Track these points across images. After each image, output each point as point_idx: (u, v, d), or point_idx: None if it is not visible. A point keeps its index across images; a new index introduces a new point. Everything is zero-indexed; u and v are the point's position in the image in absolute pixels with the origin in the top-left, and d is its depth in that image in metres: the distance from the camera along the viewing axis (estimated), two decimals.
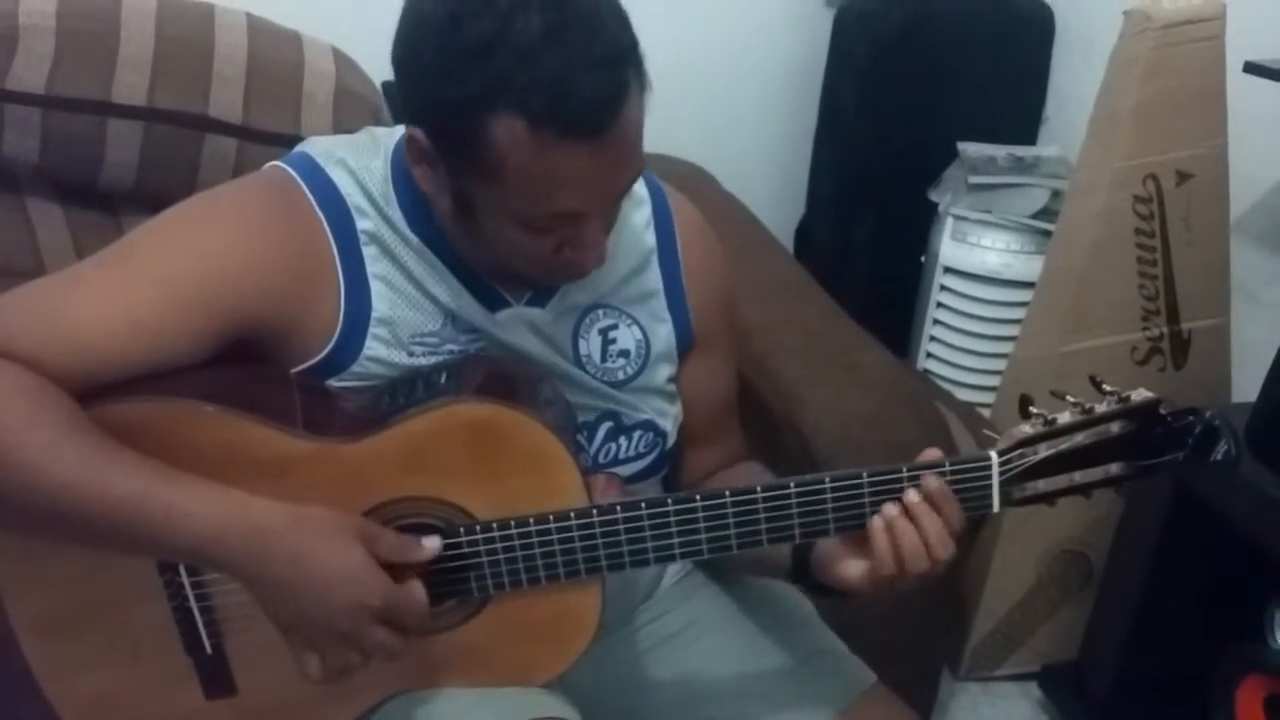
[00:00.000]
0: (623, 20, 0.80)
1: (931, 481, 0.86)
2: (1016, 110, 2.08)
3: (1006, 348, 1.82)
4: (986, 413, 1.78)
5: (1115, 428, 0.85)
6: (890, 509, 0.86)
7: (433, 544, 0.87)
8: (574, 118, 0.77)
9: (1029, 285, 1.77)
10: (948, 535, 0.86)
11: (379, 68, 1.61)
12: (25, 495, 0.77)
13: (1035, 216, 1.85)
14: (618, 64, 0.78)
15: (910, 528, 0.86)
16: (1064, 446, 0.85)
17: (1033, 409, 0.86)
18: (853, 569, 0.90)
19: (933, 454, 0.88)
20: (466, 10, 0.76)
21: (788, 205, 2.22)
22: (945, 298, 1.96)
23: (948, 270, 1.94)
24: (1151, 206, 1.59)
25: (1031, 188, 1.88)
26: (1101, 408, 0.85)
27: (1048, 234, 1.77)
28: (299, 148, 0.96)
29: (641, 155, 0.86)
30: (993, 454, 0.86)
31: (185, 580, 0.88)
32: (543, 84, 0.75)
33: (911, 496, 0.86)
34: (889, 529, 0.86)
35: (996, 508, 0.87)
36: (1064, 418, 0.85)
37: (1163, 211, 1.59)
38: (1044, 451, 0.85)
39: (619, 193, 0.87)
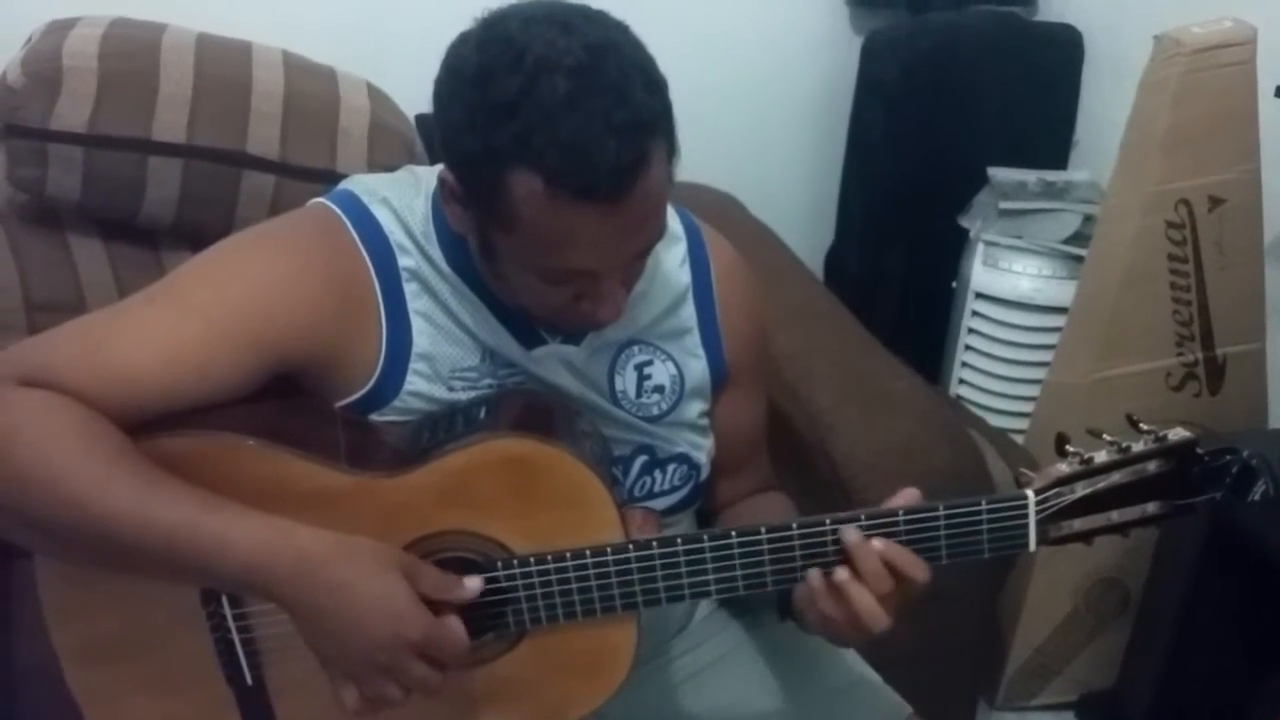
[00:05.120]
0: (654, 87, 0.81)
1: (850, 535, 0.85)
2: (1046, 135, 2.07)
3: (1040, 374, 1.81)
4: (1020, 439, 1.77)
5: (1152, 467, 0.85)
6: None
7: (474, 584, 0.87)
8: (589, 181, 0.78)
9: (1061, 311, 1.76)
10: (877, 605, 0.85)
11: (413, 102, 1.64)
12: (76, 524, 0.79)
13: (1067, 241, 1.84)
14: (640, 131, 0.78)
15: (861, 589, 0.85)
16: (1101, 485, 0.85)
17: (1069, 447, 0.86)
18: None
19: (910, 494, 0.88)
20: (496, 67, 0.78)
21: (817, 232, 2.22)
22: (977, 324, 1.95)
23: (979, 296, 1.92)
24: (1184, 232, 1.58)
25: (1063, 213, 1.87)
26: (1138, 446, 0.85)
27: (1080, 259, 1.76)
28: (342, 185, 0.98)
29: (663, 219, 0.87)
30: (1030, 493, 0.85)
31: (228, 611, 0.89)
32: (561, 145, 0.76)
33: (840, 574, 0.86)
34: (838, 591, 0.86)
35: (1033, 546, 0.87)
36: (1101, 456, 0.85)
37: (1195, 237, 1.58)
38: (1081, 490, 0.85)
39: (635, 255, 0.88)
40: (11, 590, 1.21)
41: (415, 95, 1.54)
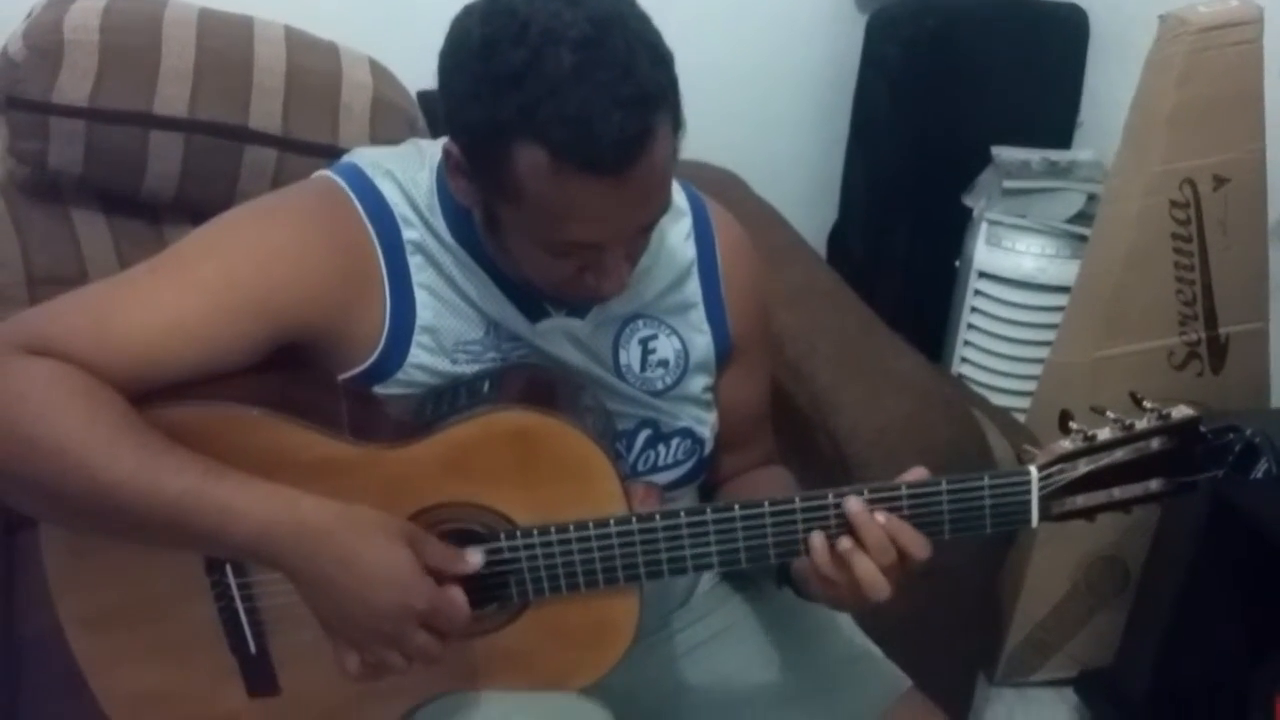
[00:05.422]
0: (660, 61, 0.80)
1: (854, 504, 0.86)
2: (1051, 114, 2.06)
3: (1042, 353, 1.81)
4: (1022, 418, 1.78)
5: (1155, 444, 0.85)
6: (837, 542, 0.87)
7: (475, 558, 0.88)
8: (594, 154, 0.78)
9: (1064, 290, 1.76)
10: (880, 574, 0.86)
11: (415, 78, 1.63)
12: (81, 491, 0.79)
13: (1071, 221, 1.84)
14: (645, 105, 0.78)
15: (864, 558, 0.86)
16: (1103, 462, 0.85)
17: (1072, 424, 0.86)
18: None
19: (918, 472, 0.88)
20: (501, 39, 0.78)
21: (821, 210, 2.22)
22: (980, 303, 1.95)
23: (982, 275, 1.92)
24: (1188, 211, 1.58)
25: (1066, 192, 1.87)
26: (1141, 424, 0.85)
27: (1083, 239, 1.76)
28: (346, 158, 0.98)
29: (667, 193, 0.87)
30: (1032, 469, 0.86)
31: (232, 581, 0.90)
32: (567, 118, 0.77)
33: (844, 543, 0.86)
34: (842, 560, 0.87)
35: (1035, 522, 0.87)
36: (1104, 434, 0.85)
37: (1200, 216, 1.58)
38: (1083, 467, 0.85)
39: (639, 228, 0.88)
40: (16, 559, 1.22)
41: (417, 71, 1.53)
